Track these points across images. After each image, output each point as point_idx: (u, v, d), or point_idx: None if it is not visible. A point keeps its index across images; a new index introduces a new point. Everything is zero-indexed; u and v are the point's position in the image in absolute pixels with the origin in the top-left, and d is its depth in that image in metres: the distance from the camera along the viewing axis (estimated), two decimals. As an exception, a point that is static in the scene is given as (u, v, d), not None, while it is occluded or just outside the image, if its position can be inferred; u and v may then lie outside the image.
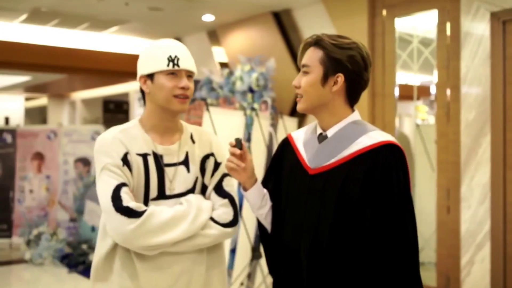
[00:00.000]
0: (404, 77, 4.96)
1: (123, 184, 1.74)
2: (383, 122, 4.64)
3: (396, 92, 4.60)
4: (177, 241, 1.74)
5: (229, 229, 1.85)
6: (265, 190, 1.84)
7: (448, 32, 4.19)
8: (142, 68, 1.85)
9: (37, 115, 15.30)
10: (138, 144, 1.83)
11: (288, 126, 4.97)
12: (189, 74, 1.86)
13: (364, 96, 4.66)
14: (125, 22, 6.40)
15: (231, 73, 5.43)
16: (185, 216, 1.77)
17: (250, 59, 5.33)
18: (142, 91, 1.90)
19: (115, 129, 1.86)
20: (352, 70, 1.65)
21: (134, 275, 1.78)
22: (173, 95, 1.81)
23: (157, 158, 1.84)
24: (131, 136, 1.84)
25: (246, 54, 5.64)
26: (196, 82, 5.94)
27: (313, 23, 5.37)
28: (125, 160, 1.78)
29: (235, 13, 5.90)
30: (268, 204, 1.83)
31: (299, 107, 1.72)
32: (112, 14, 6.06)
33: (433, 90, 4.53)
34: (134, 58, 2.02)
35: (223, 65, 6.36)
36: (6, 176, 7.11)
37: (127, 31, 6.88)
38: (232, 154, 1.75)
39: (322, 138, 1.72)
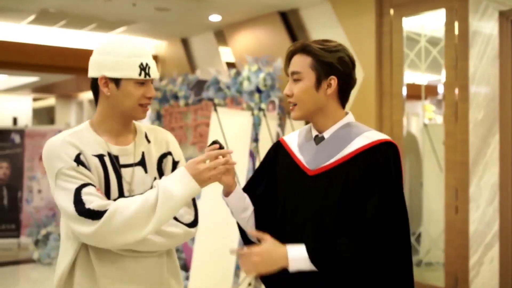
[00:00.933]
0: (412, 76, 4.95)
1: (83, 186, 1.65)
2: (391, 121, 4.63)
3: (404, 91, 4.59)
4: (149, 233, 1.65)
5: (192, 229, 1.79)
6: (244, 193, 1.81)
7: (456, 32, 4.17)
8: (106, 70, 1.72)
9: (45, 116, 15.35)
10: (91, 146, 1.73)
11: (295, 126, 4.96)
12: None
13: (372, 95, 4.65)
14: (132, 23, 6.42)
15: (238, 73, 5.44)
16: (153, 206, 1.65)
17: (257, 59, 5.33)
18: (95, 90, 1.78)
19: (64, 133, 1.75)
20: (343, 72, 1.68)
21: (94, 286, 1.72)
22: (138, 104, 1.75)
23: (113, 159, 1.75)
24: (83, 138, 1.74)
25: (253, 54, 5.65)
26: (203, 82, 5.95)
27: (320, 23, 5.36)
28: (79, 160, 1.68)
29: (242, 13, 5.90)
30: (251, 207, 1.80)
31: (295, 115, 1.72)
32: (119, 15, 6.08)
33: (441, 89, 4.51)
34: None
35: (230, 65, 6.36)
36: (14, 176, 7.16)
37: (134, 32, 6.90)
38: (219, 156, 1.69)
39: (319, 139, 1.74)
